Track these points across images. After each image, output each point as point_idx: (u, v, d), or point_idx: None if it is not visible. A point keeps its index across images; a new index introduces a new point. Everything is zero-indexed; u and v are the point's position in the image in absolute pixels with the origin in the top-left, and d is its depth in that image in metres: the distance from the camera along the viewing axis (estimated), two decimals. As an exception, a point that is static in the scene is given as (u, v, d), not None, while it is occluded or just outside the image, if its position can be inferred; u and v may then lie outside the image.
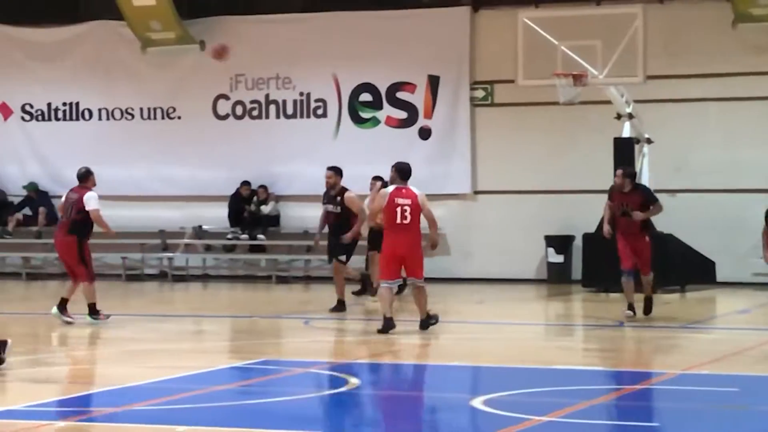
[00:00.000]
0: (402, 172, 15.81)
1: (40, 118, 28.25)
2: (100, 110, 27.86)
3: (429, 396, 11.83)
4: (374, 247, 19.33)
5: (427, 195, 24.07)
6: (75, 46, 27.96)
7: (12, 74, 28.28)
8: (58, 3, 28.11)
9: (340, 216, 18.74)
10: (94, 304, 17.13)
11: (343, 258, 18.98)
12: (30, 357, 15.45)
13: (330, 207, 18.86)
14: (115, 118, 27.67)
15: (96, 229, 18.13)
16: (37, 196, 27.03)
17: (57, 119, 28.21)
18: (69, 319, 17.05)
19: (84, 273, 17.07)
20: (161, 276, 26.26)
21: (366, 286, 19.91)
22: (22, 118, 28.31)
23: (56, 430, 10.54)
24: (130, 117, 27.44)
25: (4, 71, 28.20)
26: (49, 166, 27.37)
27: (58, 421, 10.85)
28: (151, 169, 26.81)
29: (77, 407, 11.42)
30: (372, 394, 11.90)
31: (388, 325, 15.59)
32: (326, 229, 19.41)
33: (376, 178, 20.96)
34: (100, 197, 26.36)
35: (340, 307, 18.82)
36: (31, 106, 28.29)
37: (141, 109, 27.14)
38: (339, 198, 18.69)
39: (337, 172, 18.95)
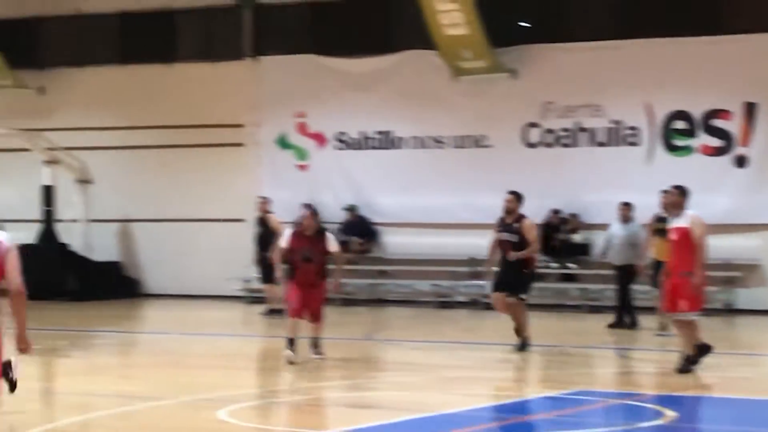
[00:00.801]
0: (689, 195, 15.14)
1: (353, 146, 29.09)
2: (411, 139, 28.52)
3: (752, 432, 11.62)
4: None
5: (743, 225, 23.86)
6: (388, 76, 28.65)
7: (328, 104, 29.14)
8: (373, 34, 28.99)
9: (518, 246, 17.68)
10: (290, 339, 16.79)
11: (524, 296, 17.94)
12: (348, 382, 16.46)
13: (506, 236, 17.76)
14: (426, 147, 28.30)
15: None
16: (355, 218, 28.24)
17: (370, 147, 28.97)
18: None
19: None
20: (472, 304, 26.69)
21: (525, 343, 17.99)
22: (337, 147, 29.20)
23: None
24: (441, 145, 28.00)
25: (321, 101, 29.09)
26: (362, 193, 28.43)
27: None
28: (461, 196, 27.18)
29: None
30: (691, 427, 11.90)
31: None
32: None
33: (627, 205, 20.88)
34: (407, 225, 26.77)
35: (524, 344, 17.79)
36: (346, 135, 29.08)
37: (452, 138, 27.63)
38: (516, 225, 17.71)
39: (518, 197, 18.01)
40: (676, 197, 15.21)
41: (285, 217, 27.46)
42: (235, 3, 30.25)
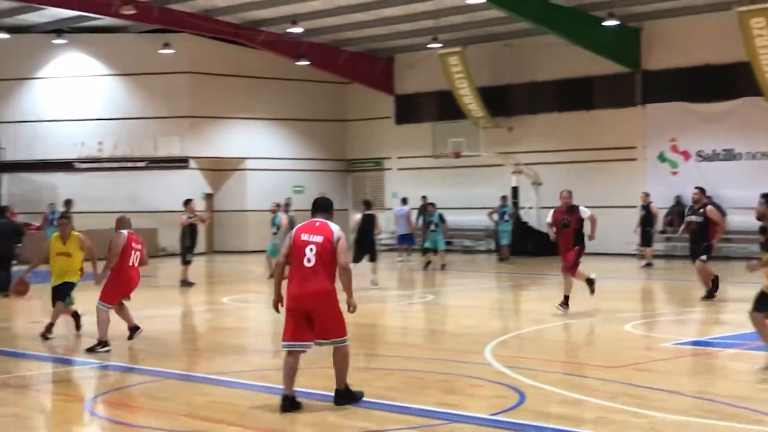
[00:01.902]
0: None
1: (707, 159, 29.94)
2: (747, 153, 29.19)
3: None
4: None
5: None
6: (732, 114, 29.26)
7: (690, 132, 29.81)
8: (721, 86, 29.58)
9: (702, 225, 16.99)
10: (566, 297, 15.57)
11: (704, 258, 17.00)
12: (712, 307, 16.73)
13: (694, 218, 17.16)
14: (756, 159, 28.98)
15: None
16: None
17: (719, 160, 29.73)
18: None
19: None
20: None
21: (716, 286, 17.25)
22: (697, 160, 30.03)
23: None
24: (766, 158, 28.68)
25: (686, 130, 29.75)
26: (714, 189, 27.69)
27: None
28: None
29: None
30: None
31: None
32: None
33: None
34: (746, 208, 25.24)
35: (709, 294, 17.07)
36: (702, 152, 30.02)
37: (774, 152, 28.50)
38: (702, 210, 17.04)
39: (702, 191, 17.53)
40: None
41: (660, 204, 28.63)
42: (630, 71, 31.04)
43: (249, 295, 21.05)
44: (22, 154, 35.32)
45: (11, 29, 34.31)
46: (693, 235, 17.16)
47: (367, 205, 22.45)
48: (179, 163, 35.51)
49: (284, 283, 9.01)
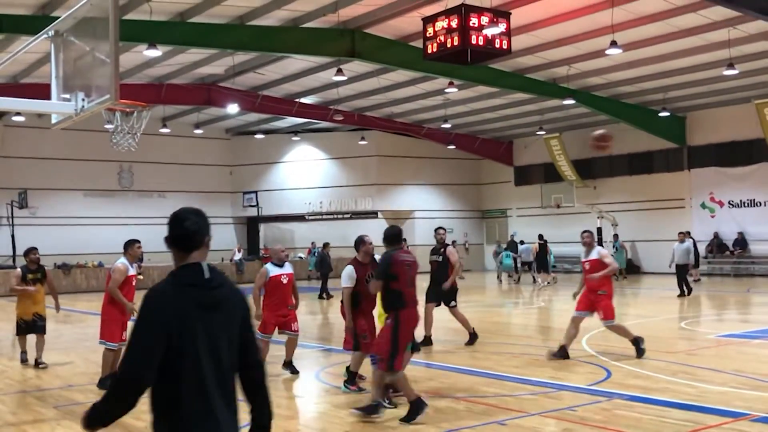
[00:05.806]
0: None
1: (737, 207, 27.92)
2: (764, 201, 27.22)
3: None
4: None
5: None
6: (750, 176, 27.52)
7: (724, 188, 28.00)
8: (743, 155, 27.70)
9: (443, 265, 11.37)
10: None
11: (454, 304, 11.39)
12: None
13: (434, 257, 11.44)
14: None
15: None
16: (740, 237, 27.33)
17: (744, 207, 27.74)
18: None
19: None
20: None
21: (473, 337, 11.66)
22: (728, 207, 28.18)
23: None
24: None
25: (719, 187, 28.07)
26: (743, 225, 27.80)
27: None
28: None
29: None
30: None
31: None
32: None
33: None
34: None
35: (473, 338, 11.51)
36: (733, 201, 28.04)
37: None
38: (443, 250, 11.37)
39: (444, 230, 11.53)
40: None
41: (703, 238, 27.78)
42: (679, 146, 29.65)
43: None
44: (272, 210, 35.76)
45: (265, 131, 35.75)
46: (434, 275, 11.35)
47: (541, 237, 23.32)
48: (371, 214, 35.10)
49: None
